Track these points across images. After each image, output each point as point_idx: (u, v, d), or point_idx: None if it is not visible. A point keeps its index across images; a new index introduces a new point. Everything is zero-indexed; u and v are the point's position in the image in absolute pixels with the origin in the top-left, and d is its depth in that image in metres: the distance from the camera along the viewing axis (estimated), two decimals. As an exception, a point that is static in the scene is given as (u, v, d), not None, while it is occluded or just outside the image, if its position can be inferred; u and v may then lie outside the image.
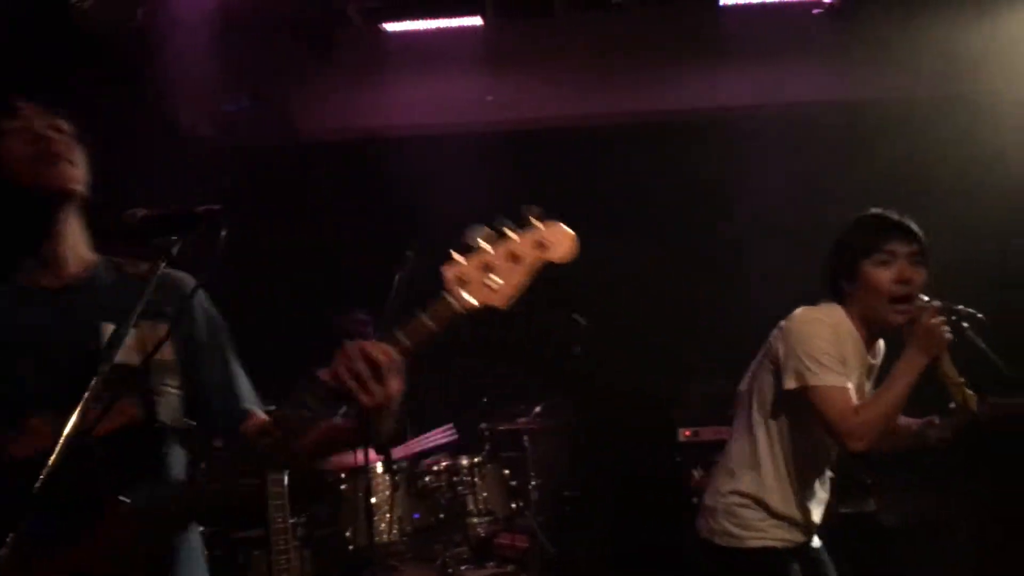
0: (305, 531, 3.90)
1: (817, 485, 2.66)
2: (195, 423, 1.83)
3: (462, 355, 4.90)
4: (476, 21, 5.03)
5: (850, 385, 2.50)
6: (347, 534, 3.76)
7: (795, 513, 2.59)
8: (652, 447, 4.79)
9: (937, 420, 3.59)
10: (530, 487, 4.43)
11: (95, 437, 1.59)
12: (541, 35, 5.28)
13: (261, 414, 1.86)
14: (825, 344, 2.50)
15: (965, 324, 3.40)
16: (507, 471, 4.14)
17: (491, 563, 3.97)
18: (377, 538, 3.69)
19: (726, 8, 5.07)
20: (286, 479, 2.80)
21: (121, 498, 1.59)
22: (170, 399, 1.72)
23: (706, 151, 5.25)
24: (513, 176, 5.39)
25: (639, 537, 4.71)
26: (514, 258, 1.63)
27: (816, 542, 2.71)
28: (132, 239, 1.69)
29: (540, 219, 1.69)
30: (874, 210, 2.65)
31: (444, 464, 3.97)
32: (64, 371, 1.62)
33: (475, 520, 3.93)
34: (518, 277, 1.63)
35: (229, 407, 1.84)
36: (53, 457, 1.48)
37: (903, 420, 3.78)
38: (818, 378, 2.47)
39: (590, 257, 5.29)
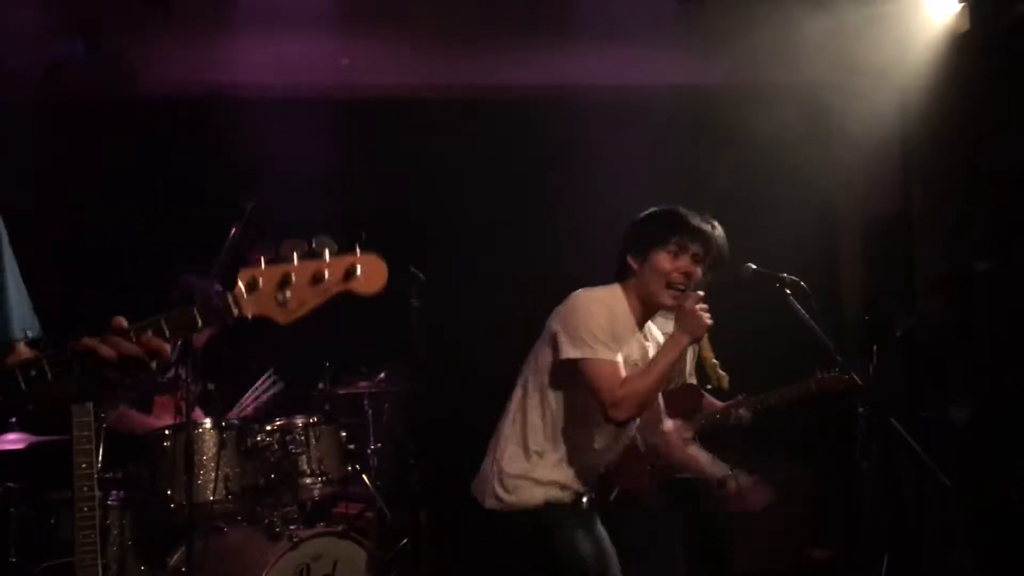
0: (126, 492, 3.72)
1: (593, 448, 2.87)
2: None
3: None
4: (330, -21, 4.91)
5: (619, 360, 2.74)
6: (168, 493, 3.59)
7: (565, 478, 2.82)
8: (498, 415, 4.80)
9: (742, 400, 3.80)
10: (369, 451, 4.36)
11: None
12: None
13: (22, 348, 1.80)
14: (601, 321, 2.74)
15: (788, 291, 3.58)
16: (344, 434, 4.04)
17: (321, 523, 3.86)
18: (200, 497, 3.54)
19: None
20: (92, 418, 2.64)
21: None
22: None
23: (554, 127, 5.33)
24: (362, 143, 5.32)
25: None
26: (315, 280, 1.60)
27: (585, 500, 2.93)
28: None
29: (361, 248, 1.66)
30: (683, 209, 2.93)
31: (277, 423, 3.84)
32: None
33: (308, 481, 3.81)
34: (311, 299, 1.61)
35: None
36: None
37: (709, 400, 3.96)
38: (592, 351, 2.70)
39: (435, 220, 5.26)
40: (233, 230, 3.77)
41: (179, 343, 3.42)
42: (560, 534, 2.78)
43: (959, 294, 4.82)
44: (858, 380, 3.58)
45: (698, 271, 2.85)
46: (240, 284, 1.59)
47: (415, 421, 4.53)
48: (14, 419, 3.71)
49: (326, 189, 5.18)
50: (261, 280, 1.59)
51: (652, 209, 2.97)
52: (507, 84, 5.40)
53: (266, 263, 1.60)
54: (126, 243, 4.92)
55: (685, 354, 3.86)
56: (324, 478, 3.87)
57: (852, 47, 4.92)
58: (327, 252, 1.61)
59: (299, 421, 3.88)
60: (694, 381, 3.91)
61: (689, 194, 4.65)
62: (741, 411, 3.80)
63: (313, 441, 3.86)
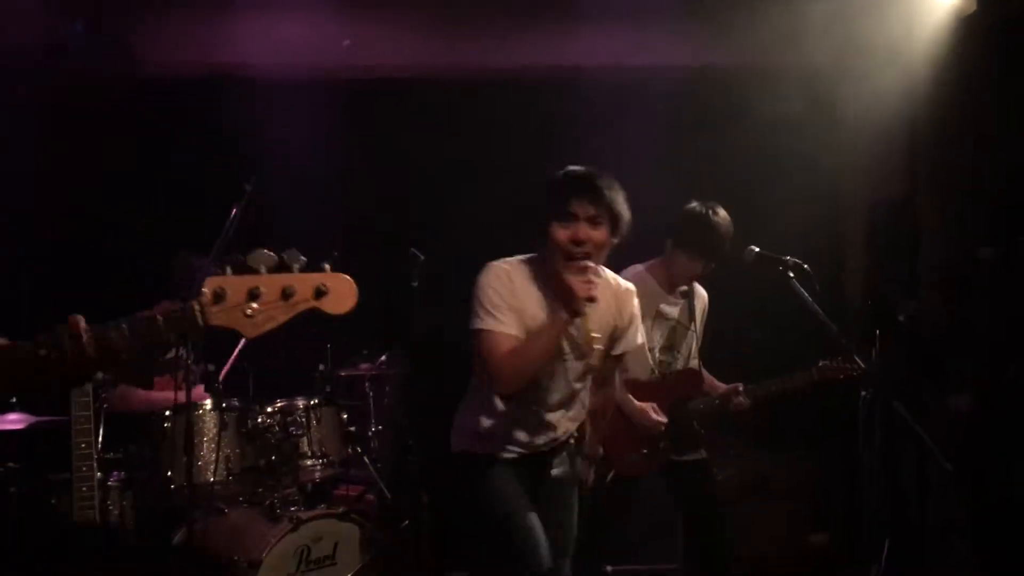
0: (127, 473, 3.72)
1: (535, 412, 2.86)
2: None
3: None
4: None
5: (511, 332, 2.70)
6: (168, 474, 3.59)
7: (503, 434, 2.85)
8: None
9: (741, 388, 3.79)
10: (370, 434, 4.36)
11: None
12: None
13: None
14: (493, 292, 2.72)
15: (791, 274, 3.56)
16: (345, 416, 4.04)
17: (322, 505, 3.87)
18: (200, 478, 3.54)
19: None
20: (91, 399, 2.63)
21: None
22: None
23: (557, 110, 5.30)
24: (364, 126, 5.29)
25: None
26: (285, 295, 1.58)
27: (555, 469, 2.96)
28: None
29: (332, 266, 1.65)
30: (571, 169, 2.79)
31: (278, 404, 3.84)
32: None
33: (308, 463, 3.81)
34: (280, 315, 1.60)
35: None
36: None
37: (712, 382, 3.94)
38: (481, 322, 2.70)
39: (438, 203, 5.22)
40: (234, 211, 3.76)
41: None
42: (482, 480, 2.85)
43: (963, 282, 4.79)
44: (861, 364, 3.56)
45: (596, 234, 2.72)
46: (206, 293, 1.55)
47: (416, 403, 4.54)
48: (14, 399, 3.71)
49: (328, 171, 5.17)
50: (229, 291, 1.56)
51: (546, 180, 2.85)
52: (510, 66, 5.37)
53: (233, 272, 1.57)
54: (126, 225, 4.91)
55: (684, 336, 3.86)
56: (325, 460, 3.87)
57: (857, 29, 4.86)
58: (296, 266, 1.60)
59: (300, 403, 3.88)
60: (695, 364, 3.90)
61: (693, 177, 4.69)
62: (740, 398, 3.79)
63: (314, 423, 3.86)
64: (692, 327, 3.88)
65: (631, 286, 3.03)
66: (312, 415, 3.86)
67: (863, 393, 4.17)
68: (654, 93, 5.13)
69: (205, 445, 3.62)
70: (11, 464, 3.63)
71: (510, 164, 5.28)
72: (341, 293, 1.62)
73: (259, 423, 3.74)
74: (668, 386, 3.79)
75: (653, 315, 3.80)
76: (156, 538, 3.62)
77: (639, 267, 3.87)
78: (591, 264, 2.69)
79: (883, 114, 5.04)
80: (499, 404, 2.85)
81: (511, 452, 2.88)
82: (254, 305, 1.57)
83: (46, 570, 3.02)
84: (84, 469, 2.64)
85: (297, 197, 4.98)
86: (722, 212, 3.69)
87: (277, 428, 3.76)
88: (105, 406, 3.43)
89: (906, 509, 4.70)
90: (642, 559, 4.68)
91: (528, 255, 2.84)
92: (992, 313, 4.58)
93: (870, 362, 3.78)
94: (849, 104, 5.25)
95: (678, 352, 3.87)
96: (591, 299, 2.64)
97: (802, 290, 3.48)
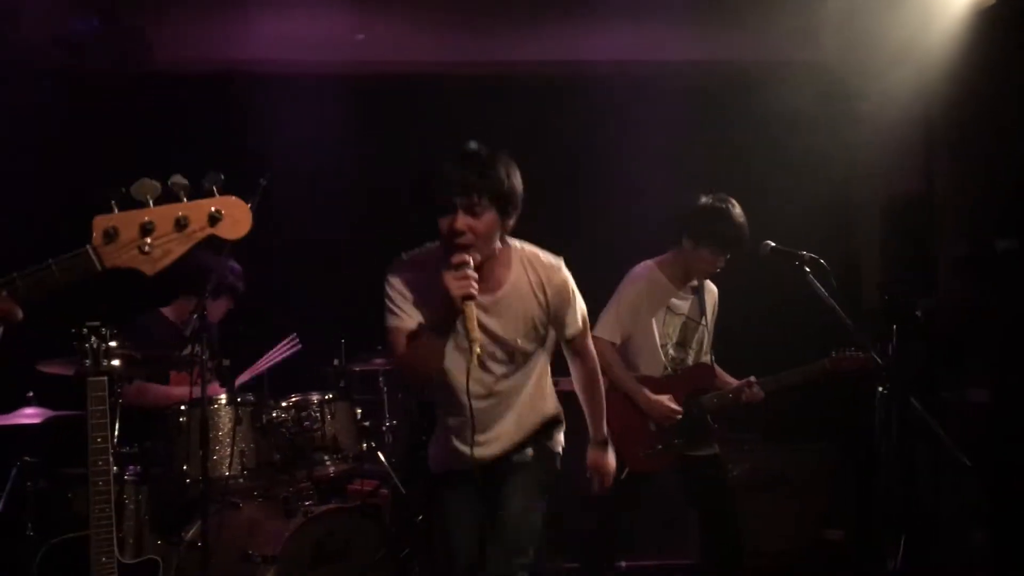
0: (142, 467, 3.73)
1: (456, 414, 2.77)
2: None
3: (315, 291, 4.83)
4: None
5: (410, 326, 2.63)
6: (184, 468, 3.60)
7: (451, 446, 2.80)
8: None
9: (753, 380, 3.77)
10: (384, 429, 4.36)
11: None
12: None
13: None
14: (390, 289, 2.68)
15: (807, 269, 3.53)
16: (359, 411, 4.05)
17: (336, 499, 3.87)
18: (215, 473, 3.54)
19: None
20: (107, 393, 2.64)
21: None
22: None
23: (569, 105, 5.29)
24: (376, 121, 5.30)
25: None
26: (179, 225, 1.53)
27: (523, 452, 2.84)
28: None
29: (219, 189, 1.59)
30: (449, 154, 2.61)
31: (293, 399, 3.84)
32: None
33: (323, 457, 3.81)
34: (177, 246, 1.53)
35: None
36: None
37: (725, 378, 3.92)
38: (387, 320, 2.67)
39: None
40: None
41: (195, 317, 3.42)
42: (437, 501, 2.89)
43: (980, 275, 4.76)
44: (877, 358, 3.53)
45: (477, 223, 2.54)
46: (97, 234, 1.49)
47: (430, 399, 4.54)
48: (31, 393, 3.73)
49: (338, 167, 5.17)
50: (120, 228, 1.50)
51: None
52: (520, 62, 5.37)
53: (119, 208, 1.50)
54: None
55: (695, 331, 3.85)
56: (339, 454, 3.87)
57: (872, 23, 4.83)
58: (183, 194, 1.54)
59: (314, 397, 3.88)
60: (707, 359, 3.89)
61: (706, 174, 4.67)
62: (753, 391, 3.78)
63: (328, 417, 3.86)
64: (703, 322, 3.87)
65: (556, 260, 2.83)
66: (326, 410, 3.86)
67: (880, 389, 4.15)
68: (666, 89, 5.12)
69: (220, 440, 3.63)
70: (27, 458, 3.65)
71: (519, 160, 5.27)
72: (235, 217, 1.57)
73: (274, 418, 3.75)
74: (681, 381, 3.78)
75: (664, 310, 3.80)
76: (171, 532, 3.63)
77: (649, 262, 3.86)
78: (468, 259, 2.51)
79: (898, 109, 5.01)
80: (438, 411, 2.86)
81: (458, 464, 2.82)
82: (148, 240, 1.51)
83: (61, 564, 3.03)
84: (100, 463, 2.64)
85: (307, 193, 4.99)
86: (736, 204, 3.69)
87: (291, 423, 3.76)
88: (121, 401, 3.44)
89: (922, 503, 4.68)
90: (656, 554, 4.68)
91: (432, 245, 2.71)
92: (1010, 306, 4.55)
93: (887, 357, 3.75)
94: (864, 99, 5.22)
95: (690, 348, 3.86)
96: (468, 297, 2.47)
97: (818, 285, 3.45)
